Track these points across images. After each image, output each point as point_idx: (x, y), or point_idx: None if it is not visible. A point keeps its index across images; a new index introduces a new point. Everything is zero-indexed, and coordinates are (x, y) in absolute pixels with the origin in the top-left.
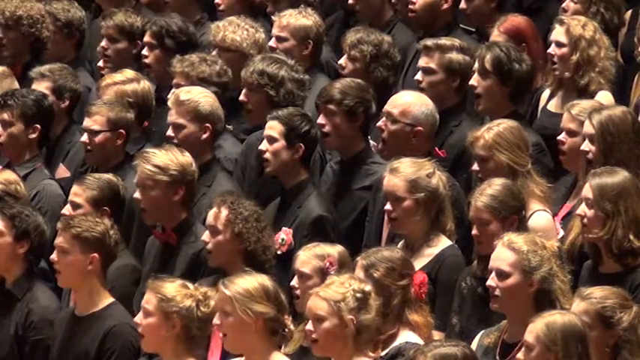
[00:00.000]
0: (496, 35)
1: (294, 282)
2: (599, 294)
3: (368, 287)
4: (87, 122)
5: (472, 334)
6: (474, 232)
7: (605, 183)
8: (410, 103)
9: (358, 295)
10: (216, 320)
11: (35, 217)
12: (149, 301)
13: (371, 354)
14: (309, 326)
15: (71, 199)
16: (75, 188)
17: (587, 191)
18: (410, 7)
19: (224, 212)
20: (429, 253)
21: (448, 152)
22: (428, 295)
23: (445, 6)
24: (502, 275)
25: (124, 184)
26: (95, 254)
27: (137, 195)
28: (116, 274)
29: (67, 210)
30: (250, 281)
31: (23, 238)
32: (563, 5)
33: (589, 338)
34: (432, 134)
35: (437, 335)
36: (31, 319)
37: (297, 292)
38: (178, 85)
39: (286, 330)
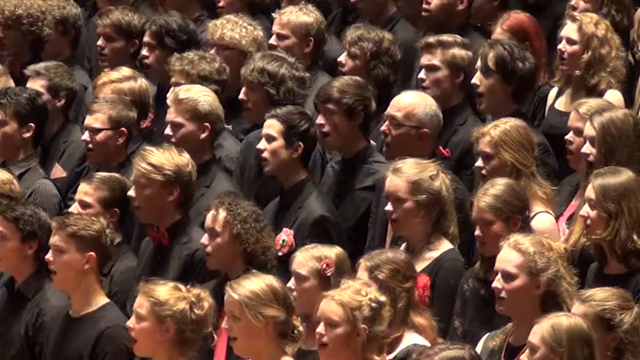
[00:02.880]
0: (499, 33)
1: (291, 283)
2: (598, 296)
3: (383, 298)
4: (88, 120)
5: (475, 337)
6: (477, 232)
7: (608, 183)
8: (413, 104)
9: (374, 305)
10: (224, 325)
11: (39, 215)
12: (141, 305)
13: (376, 358)
14: (320, 329)
15: (80, 198)
16: (84, 187)
17: (589, 192)
18: (424, 6)
19: (222, 214)
20: (430, 256)
21: (452, 151)
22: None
23: (461, 7)
24: (508, 277)
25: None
26: (92, 253)
27: (131, 193)
28: (122, 276)
29: (74, 209)
30: (258, 283)
31: (30, 239)
32: (572, 3)
33: (595, 342)
34: (437, 135)
35: None
36: (42, 319)
37: (294, 293)
38: (177, 84)
39: (296, 332)
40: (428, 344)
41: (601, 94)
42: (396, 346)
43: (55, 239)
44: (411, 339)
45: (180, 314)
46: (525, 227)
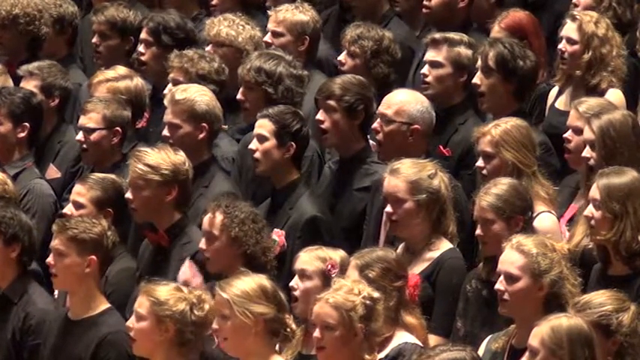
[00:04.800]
0: (497, 31)
1: (293, 282)
2: (593, 303)
3: (377, 294)
4: (82, 120)
5: (477, 338)
6: (478, 232)
7: (613, 183)
8: (404, 101)
9: (368, 302)
10: (215, 325)
11: (19, 217)
12: (141, 304)
13: (367, 357)
14: (317, 333)
15: (74, 199)
16: (78, 187)
17: (594, 192)
18: (425, 3)
19: (219, 217)
20: (430, 257)
21: (453, 151)
22: (427, 298)
23: (461, 4)
24: (511, 279)
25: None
26: (93, 256)
27: (129, 195)
28: (118, 277)
29: (68, 210)
30: (247, 282)
31: (13, 242)
32: (574, 0)
33: (596, 342)
34: (429, 133)
35: (434, 339)
36: (29, 323)
37: (296, 293)
38: (175, 81)
39: (288, 330)
40: (419, 343)
41: (602, 94)
42: (386, 344)
43: (55, 242)
44: (402, 337)
45: (179, 315)
46: (528, 228)
